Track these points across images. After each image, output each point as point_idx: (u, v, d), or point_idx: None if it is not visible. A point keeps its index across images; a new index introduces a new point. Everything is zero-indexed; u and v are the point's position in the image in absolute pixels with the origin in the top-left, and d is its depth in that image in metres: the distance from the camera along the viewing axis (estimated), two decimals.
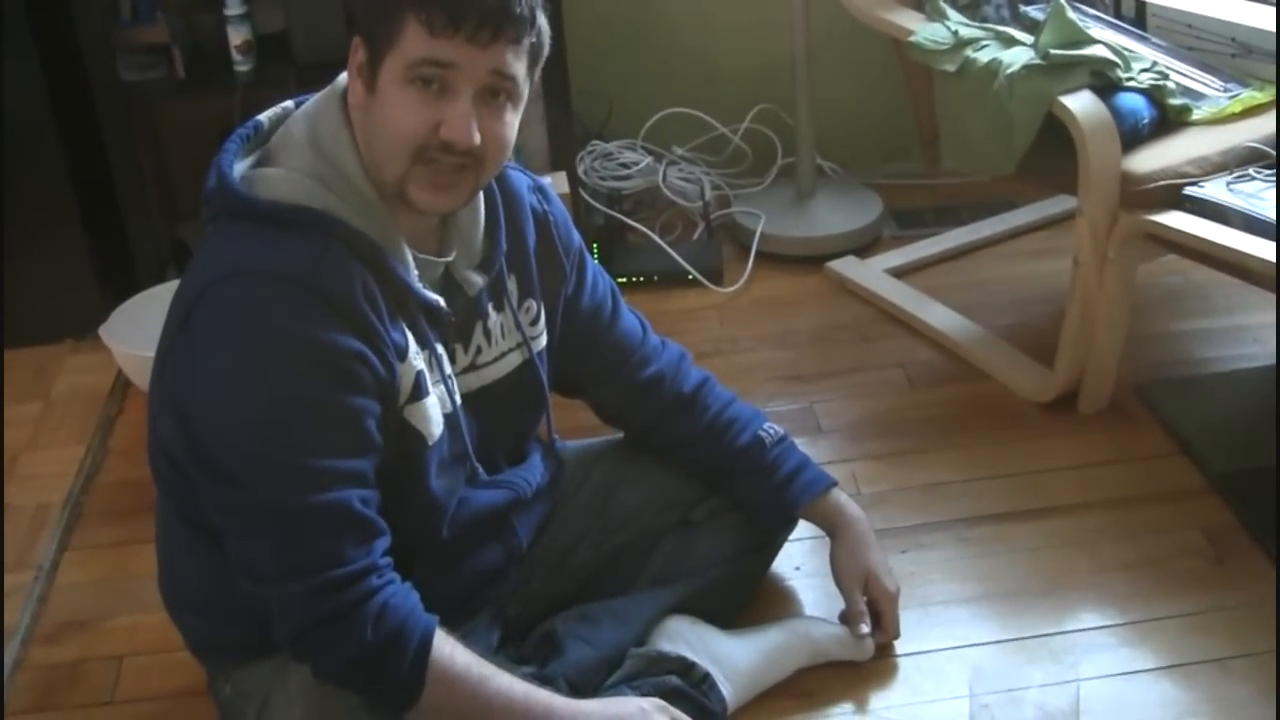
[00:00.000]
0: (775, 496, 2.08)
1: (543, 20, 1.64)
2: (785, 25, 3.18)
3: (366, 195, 1.64)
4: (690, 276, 3.14)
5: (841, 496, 2.12)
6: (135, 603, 2.22)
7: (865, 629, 2.01)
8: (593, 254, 2.08)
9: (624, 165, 3.43)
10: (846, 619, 2.04)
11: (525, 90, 1.65)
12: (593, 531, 2.06)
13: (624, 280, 3.08)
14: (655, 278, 3.15)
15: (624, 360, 2.06)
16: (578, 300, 1.99)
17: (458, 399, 1.78)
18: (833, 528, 2.10)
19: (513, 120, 1.65)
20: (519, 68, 1.61)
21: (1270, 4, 2.66)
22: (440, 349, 1.75)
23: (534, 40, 1.63)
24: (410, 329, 1.69)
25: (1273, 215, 2.21)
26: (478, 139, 1.59)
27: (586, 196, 3.28)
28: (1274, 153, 2.36)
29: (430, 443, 1.72)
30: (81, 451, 2.65)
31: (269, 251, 1.58)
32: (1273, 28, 2.55)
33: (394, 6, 1.57)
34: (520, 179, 1.90)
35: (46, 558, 2.36)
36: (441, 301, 1.73)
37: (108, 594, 2.28)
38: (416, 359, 1.69)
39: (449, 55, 1.56)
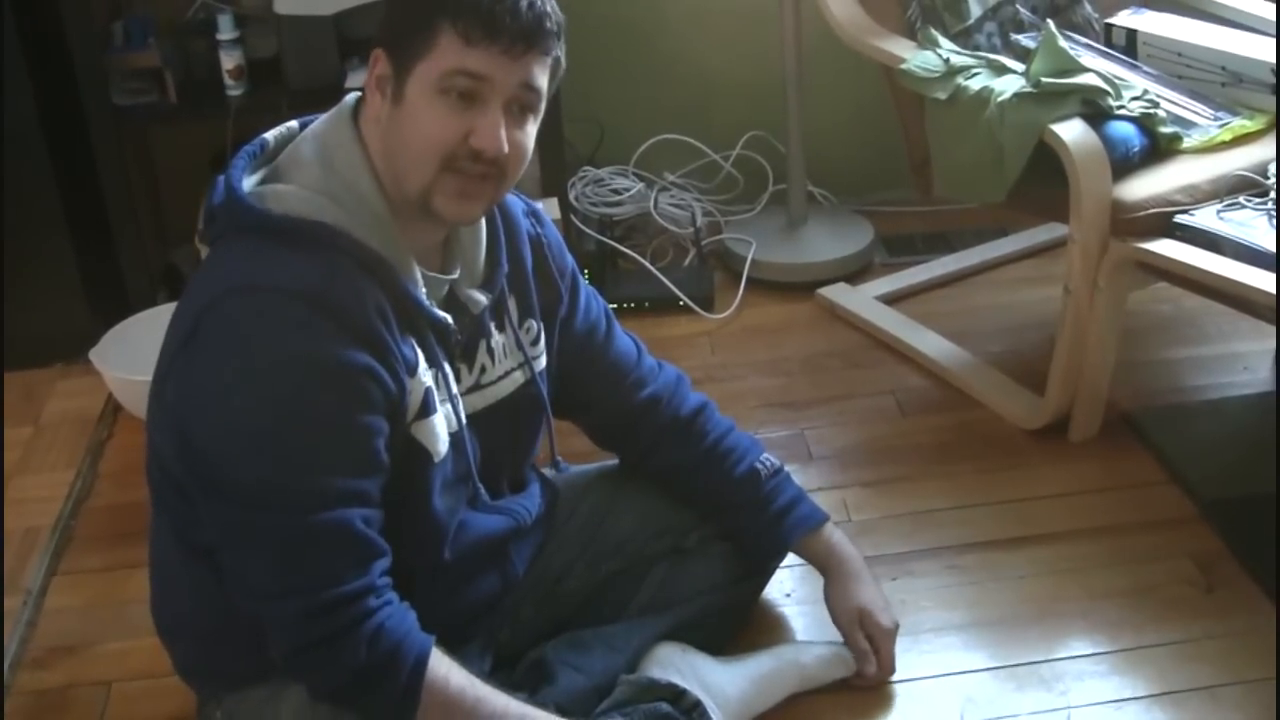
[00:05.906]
0: (767, 531, 2.08)
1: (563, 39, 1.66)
2: (776, 52, 3.19)
3: (378, 212, 1.64)
4: (681, 303, 3.15)
5: (835, 534, 2.11)
6: (125, 628, 2.21)
7: (871, 668, 2.01)
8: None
9: (615, 191, 3.44)
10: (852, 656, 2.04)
11: (543, 106, 1.67)
12: (584, 559, 2.06)
13: (615, 306, 3.02)
14: (646, 304, 3.15)
15: (619, 382, 2.06)
16: (571, 322, 2.00)
17: (463, 418, 1.78)
18: (824, 566, 2.10)
19: (533, 132, 1.67)
20: (544, 81, 1.64)
21: (1260, 33, 2.67)
22: (447, 368, 1.75)
23: (557, 55, 1.65)
24: (420, 346, 1.69)
25: (1263, 243, 2.22)
26: (507, 147, 1.61)
27: (578, 222, 3.29)
28: (1264, 180, 2.37)
29: (435, 460, 1.72)
30: (71, 476, 2.64)
31: (276, 267, 1.58)
32: (1261, 56, 2.57)
33: (429, 17, 1.58)
34: (515, 203, 1.91)
35: (35, 582, 2.35)
36: (450, 319, 1.73)
37: (97, 619, 2.27)
38: (425, 375, 1.69)
39: (482, 67, 1.58)
